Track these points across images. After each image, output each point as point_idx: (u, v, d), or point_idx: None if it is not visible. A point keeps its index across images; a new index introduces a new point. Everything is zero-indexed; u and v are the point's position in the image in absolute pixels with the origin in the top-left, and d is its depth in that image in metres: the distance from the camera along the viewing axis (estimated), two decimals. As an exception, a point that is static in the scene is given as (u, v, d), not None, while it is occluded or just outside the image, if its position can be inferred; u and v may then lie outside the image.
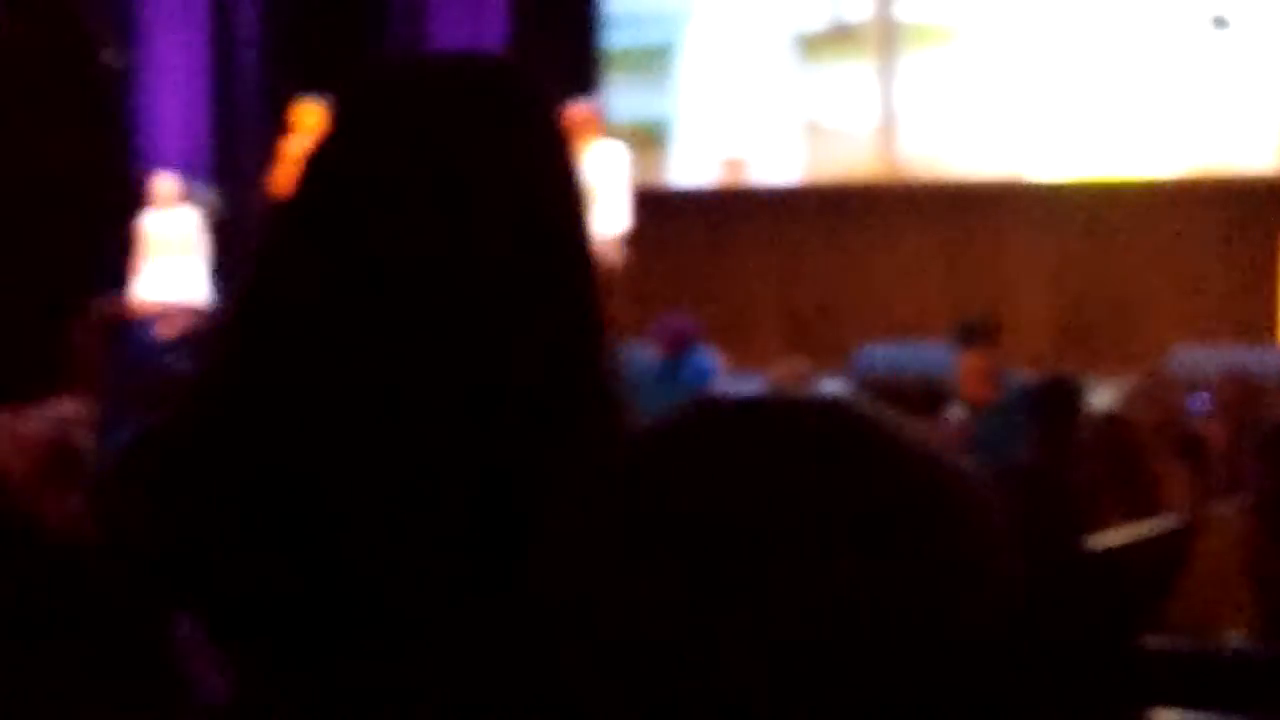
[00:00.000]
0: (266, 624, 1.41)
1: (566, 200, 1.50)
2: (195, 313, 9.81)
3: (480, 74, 1.50)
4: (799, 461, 0.87)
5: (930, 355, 9.25)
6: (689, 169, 12.88)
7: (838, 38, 12.55)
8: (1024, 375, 8.48)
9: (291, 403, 1.40)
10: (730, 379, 9.42)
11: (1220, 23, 11.68)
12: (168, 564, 1.45)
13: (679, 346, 8.96)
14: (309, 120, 10.21)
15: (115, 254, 11.51)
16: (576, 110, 9.51)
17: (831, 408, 0.91)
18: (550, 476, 1.11)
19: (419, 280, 1.42)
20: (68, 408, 8.02)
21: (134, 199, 11.76)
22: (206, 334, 8.78)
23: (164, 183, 10.72)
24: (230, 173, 11.34)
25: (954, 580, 0.86)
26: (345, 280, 1.42)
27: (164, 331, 9.45)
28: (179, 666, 0.94)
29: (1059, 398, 6.96)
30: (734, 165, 12.77)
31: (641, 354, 8.67)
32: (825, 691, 0.83)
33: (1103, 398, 7.80)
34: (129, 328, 9.02)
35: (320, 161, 1.49)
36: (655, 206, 11.85)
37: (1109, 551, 4.40)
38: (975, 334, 8.37)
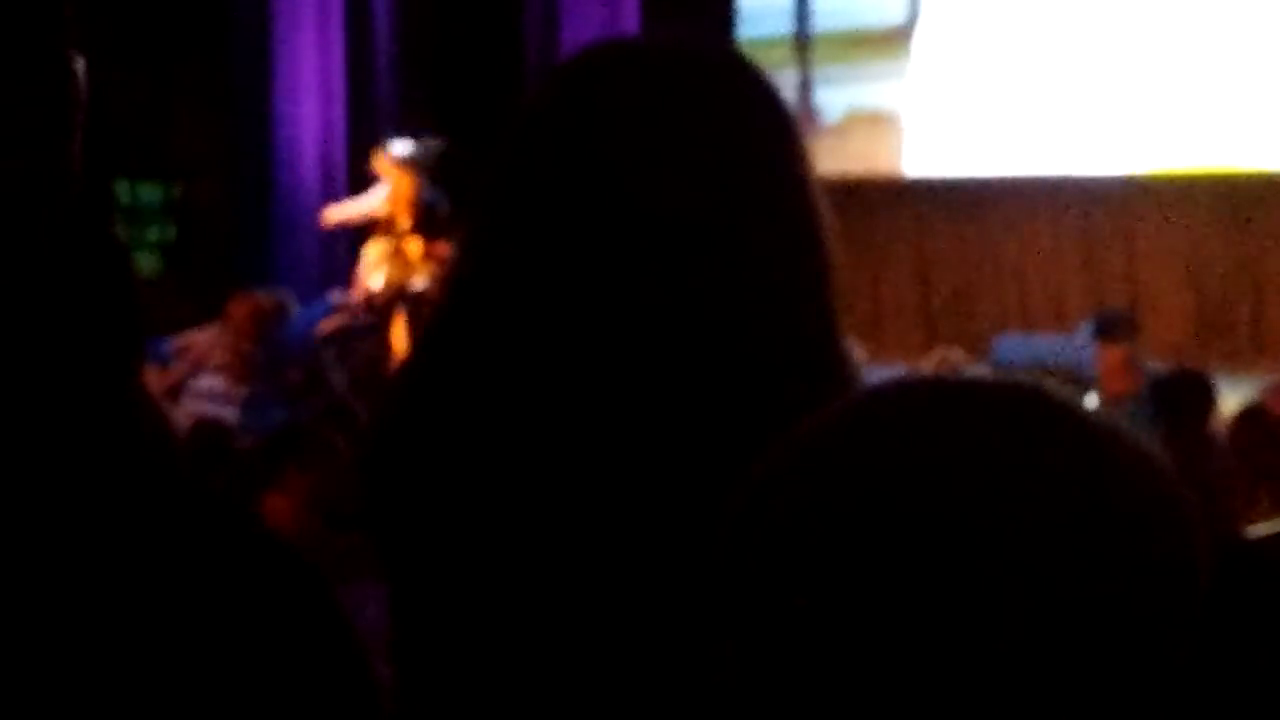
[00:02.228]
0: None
1: (801, 180, 1.47)
2: (354, 310, 9.86)
3: (703, 59, 1.48)
4: (1006, 445, 0.87)
5: (1066, 346, 9.16)
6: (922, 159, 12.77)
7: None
8: (1161, 368, 8.39)
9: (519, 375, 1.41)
10: (869, 370, 9.36)
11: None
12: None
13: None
14: (386, 168, 10.18)
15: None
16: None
17: (1037, 392, 0.91)
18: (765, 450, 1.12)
19: (657, 262, 1.41)
20: (217, 383, 8.20)
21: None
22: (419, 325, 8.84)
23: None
24: (364, 179, 11.44)
25: (1164, 566, 0.86)
26: (580, 262, 1.41)
27: (324, 327, 9.53)
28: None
29: (1188, 391, 6.89)
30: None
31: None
32: (1025, 675, 0.84)
33: (1242, 390, 7.69)
34: (285, 316, 9.10)
35: (539, 144, 1.46)
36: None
37: (1261, 541, 4.33)
38: (1113, 327, 8.29)
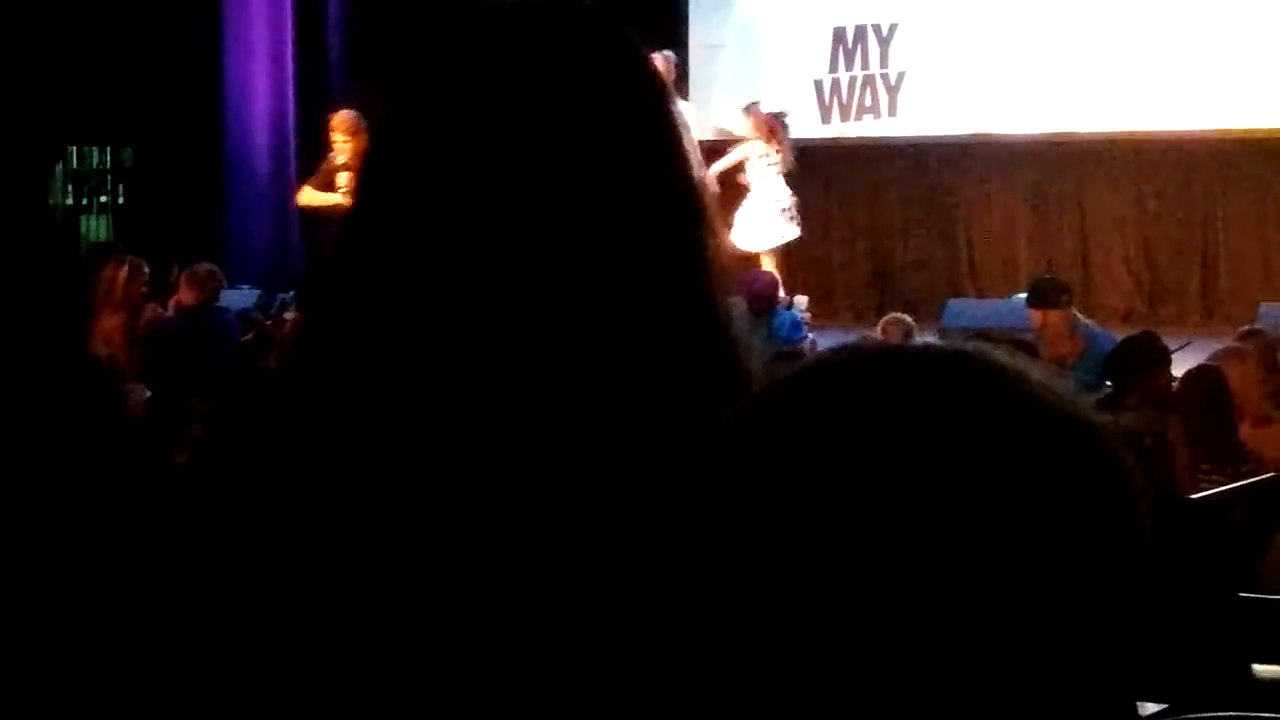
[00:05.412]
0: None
1: (669, 143, 1.43)
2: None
3: (565, 19, 1.44)
4: (932, 411, 0.87)
5: (1018, 310, 9.20)
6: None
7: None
8: (1112, 332, 8.45)
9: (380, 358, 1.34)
10: (819, 334, 9.40)
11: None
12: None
13: (763, 307, 8.95)
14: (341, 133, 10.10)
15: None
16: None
17: (965, 356, 0.92)
18: (667, 429, 1.08)
19: (520, 230, 1.35)
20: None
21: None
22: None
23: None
24: (315, 145, 11.37)
25: (1099, 527, 0.87)
26: (441, 233, 1.36)
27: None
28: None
29: (1136, 354, 6.95)
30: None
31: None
32: (964, 636, 0.84)
33: (1193, 353, 7.76)
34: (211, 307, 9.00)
35: (407, 112, 1.42)
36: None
37: (1202, 503, 4.39)
38: (1047, 294, 8.38)
